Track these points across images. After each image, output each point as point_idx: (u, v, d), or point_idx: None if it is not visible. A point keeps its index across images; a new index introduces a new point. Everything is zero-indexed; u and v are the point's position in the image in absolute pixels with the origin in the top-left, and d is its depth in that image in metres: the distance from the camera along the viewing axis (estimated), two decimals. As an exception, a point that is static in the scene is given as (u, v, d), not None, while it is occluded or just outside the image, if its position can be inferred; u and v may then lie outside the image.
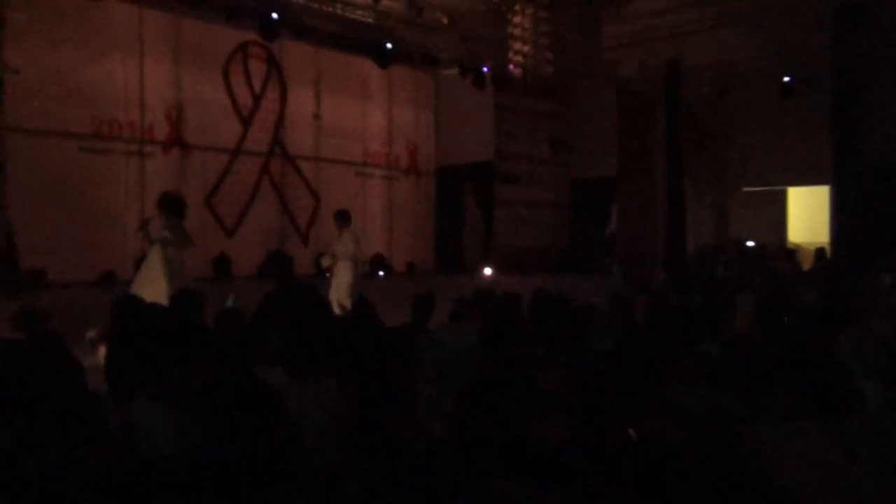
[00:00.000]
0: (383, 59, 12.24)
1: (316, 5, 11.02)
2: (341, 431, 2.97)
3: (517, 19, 14.08)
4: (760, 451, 2.06)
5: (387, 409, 2.70)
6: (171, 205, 7.46)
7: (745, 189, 17.83)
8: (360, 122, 14.29)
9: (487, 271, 13.92)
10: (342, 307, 8.30)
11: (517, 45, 14.02)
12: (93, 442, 2.14)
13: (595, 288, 11.64)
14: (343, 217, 9.65)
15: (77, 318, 6.65)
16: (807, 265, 15.06)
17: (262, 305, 5.09)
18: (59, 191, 9.95)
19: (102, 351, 4.89)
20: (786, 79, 13.34)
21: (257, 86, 12.59)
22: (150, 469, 2.17)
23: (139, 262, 8.11)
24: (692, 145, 16.21)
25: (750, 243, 16.63)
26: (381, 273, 13.70)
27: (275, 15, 10.54)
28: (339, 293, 8.88)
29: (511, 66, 14.10)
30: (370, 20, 11.73)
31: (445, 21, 12.30)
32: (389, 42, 12.02)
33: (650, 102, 15.09)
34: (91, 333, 6.01)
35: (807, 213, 17.35)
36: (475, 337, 4.63)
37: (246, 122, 12.45)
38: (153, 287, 6.79)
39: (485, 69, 13.33)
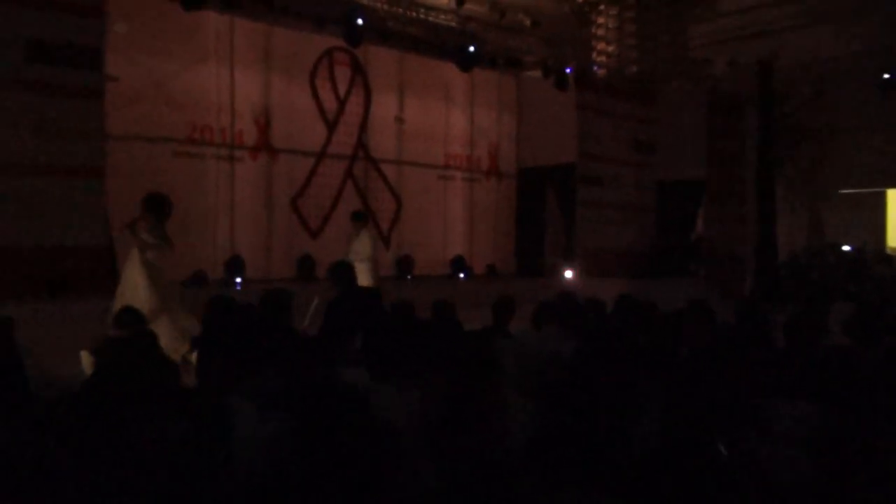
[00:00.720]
0: (466, 63, 12.27)
1: (399, 10, 11.15)
2: (424, 434, 2.99)
3: (601, 20, 13.92)
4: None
5: (471, 412, 2.71)
6: (154, 205, 6.81)
7: (842, 191, 17.09)
8: (443, 125, 14.38)
9: (569, 274, 13.78)
10: None
11: (601, 46, 13.87)
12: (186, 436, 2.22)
13: (679, 293, 11.35)
14: (360, 217, 9.54)
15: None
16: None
17: (328, 312, 5.15)
18: (154, 193, 10.35)
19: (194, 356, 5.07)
20: (886, 75, 12.73)
21: (342, 90, 12.83)
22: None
23: None
24: (785, 146, 15.64)
25: (846, 248, 15.94)
26: (461, 275, 13.75)
27: (360, 21, 10.71)
28: None
29: (595, 67, 13.94)
30: (453, 24, 11.79)
31: (528, 23, 12.24)
32: (472, 45, 12.04)
33: (741, 102, 14.64)
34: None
35: (909, 217, 16.52)
36: (558, 342, 4.58)
37: (331, 126, 12.70)
38: (133, 291, 6.40)
39: (568, 70, 13.20)
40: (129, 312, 4.86)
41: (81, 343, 5.33)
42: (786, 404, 2.83)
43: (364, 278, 8.65)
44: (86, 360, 5.25)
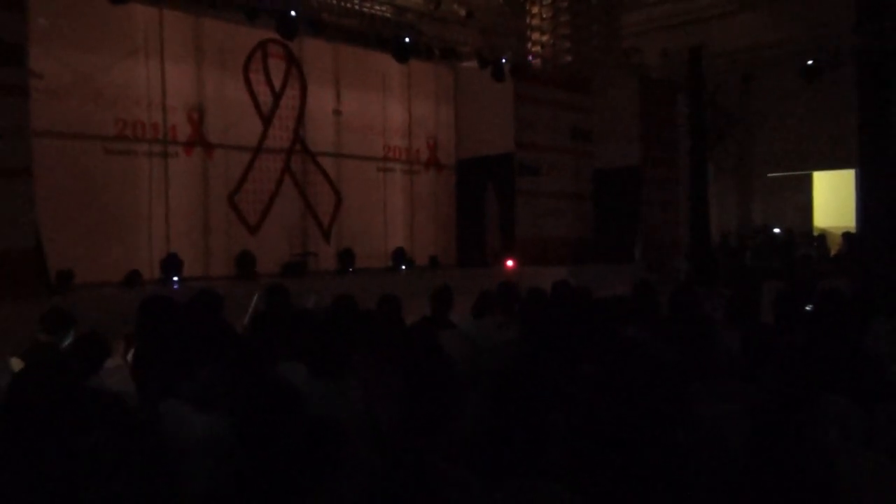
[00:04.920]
0: (402, 54, 12.20)
1: (334, 1, 11.02)
2: (370, 430, 2.98)
3: (535, 9, 13.96)
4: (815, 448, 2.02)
5: (425, 407, 2.70)
6: None
7: (770, 174, 17.62)
8: (381, 117, 14.29)
9: (509, 263, 13.87)
10: None
11: (536, 36, 13.91)
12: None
13: (619, 278, 11.56)
14: None
15: (104, 318, 6.72)
16: (834, 250, 14.89)
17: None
18: (84, 192, 10.05)
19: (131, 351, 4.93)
20: (810, 62, 13.13)
21: (277, 84, 12.62)
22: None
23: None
24: (716, 131, 16.03)
25: (776, 230, 16.45)
26: (403, 267, 13.71)
27: (293, 13, 10.55)
28: None
29: (530, 57, 14.00)
30: (388, 15, 11.70)
31: (463, 14, 12.23)
32: (408, 36, 11.97)
33: (672, 89, 14.93)
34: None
35: (833, 198, 17.12)
36: (499, 331, 4.62)
37: (267, 119, 12.50)
38: None
39: (504, 61, 13.25)
40: (58, 314, 4.71)
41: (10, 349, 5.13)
42: (716, 385, 2.90)
43: None
44: (15, 366, 5.06)
